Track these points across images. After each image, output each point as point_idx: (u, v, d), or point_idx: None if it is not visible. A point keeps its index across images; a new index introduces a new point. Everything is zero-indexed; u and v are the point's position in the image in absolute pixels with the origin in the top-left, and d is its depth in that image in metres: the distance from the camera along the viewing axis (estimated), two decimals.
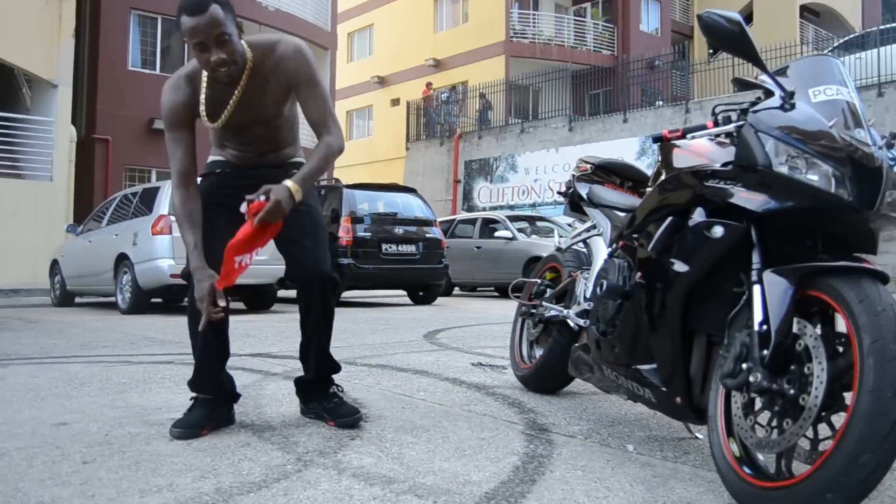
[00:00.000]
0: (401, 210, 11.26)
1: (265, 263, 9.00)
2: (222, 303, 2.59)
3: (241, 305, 11.10)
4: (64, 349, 5.44)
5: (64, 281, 11.27)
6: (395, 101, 29.84)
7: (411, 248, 10.91)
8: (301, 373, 3.10)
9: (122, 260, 9.43)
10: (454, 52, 27.92)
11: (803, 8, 30.56)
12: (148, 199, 9.55)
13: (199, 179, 2.82)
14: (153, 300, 9.67)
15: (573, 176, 3.51)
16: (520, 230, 13.78)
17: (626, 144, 18.53)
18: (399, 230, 10.87)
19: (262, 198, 2.53)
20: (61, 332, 6.90)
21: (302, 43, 2.74)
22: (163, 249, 8.89)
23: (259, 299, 10.21)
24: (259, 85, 2.67)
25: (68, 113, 15.50)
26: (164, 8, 17.93)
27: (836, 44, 18.83)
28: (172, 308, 10.48)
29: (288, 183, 2.56)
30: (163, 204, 9.10)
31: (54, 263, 11.75)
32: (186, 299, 2.82)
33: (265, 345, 5.61)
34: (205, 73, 2.64)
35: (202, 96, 2.67)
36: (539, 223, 14.86)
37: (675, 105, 19.34)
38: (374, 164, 28.91)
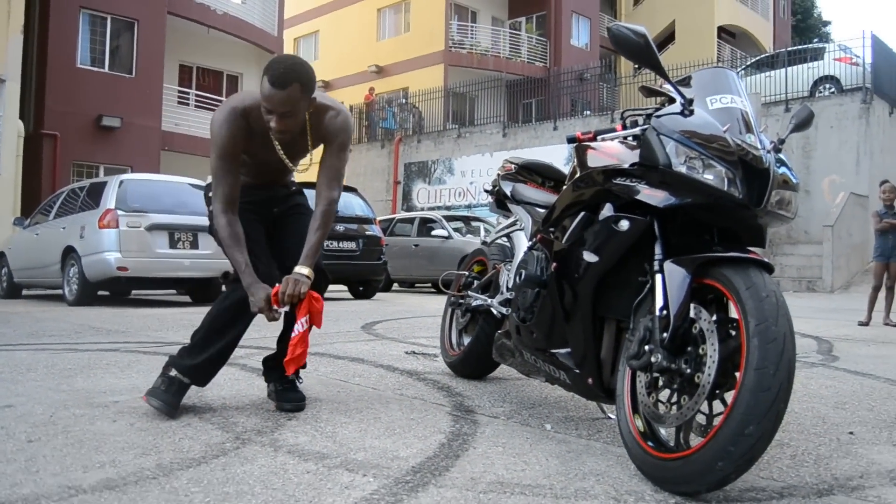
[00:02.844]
0: (342, 208, 11.18)
1: (210, 258, 8.89)
2: (281, 310, 2.67)
3: (186, 298, 10.93)
4: (10, 338, 5.29)
5: (11, 273, 10.92)
6: None
7: (352, 245, 10.89)
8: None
9: (69, 253, 9.18)
10: (396, 59, 27.85)
11: (721, 29, 31.41)
12: (95, 194, 9.31)
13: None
14: (100, 292, 9.44)
15: (498, 175, 3.57)
16: (455, 229, 13.87)
17: (556, 150, 18.76)
18: (340, 227, 10.82)
19: (277, 285, 2.67)
20: (7, 321, 6.70)
21: (349, 115, 2.88)
22: (109, 243, 8.68)
23: (205, 292, 10.06)
24: (311, 132, 2.79)
25: (16, 108, 14.98)
26: (114, 8, 17.45)
27: (748, 62, 19.41)
28: (118, 300, 10.25)
29: (298, 269, 2.67)
30: (110, 198, 8.89)
31: (1, 256, 11.37)
32: (224, 297, 2.87)
33: None
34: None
35: (276, 142, 2.74)
36: (473, 223, 14.97)
37: (602, 115, 19.68)
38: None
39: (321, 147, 2.87)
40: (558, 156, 18.26)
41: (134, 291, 11.32)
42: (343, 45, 30.06)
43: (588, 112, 21.02)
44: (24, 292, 11.70)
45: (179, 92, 19.77)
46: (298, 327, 2.65)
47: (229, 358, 2.94)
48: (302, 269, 2.68)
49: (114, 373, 3.71)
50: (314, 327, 2.72)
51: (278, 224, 3.02)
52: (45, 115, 16.40)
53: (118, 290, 10.29)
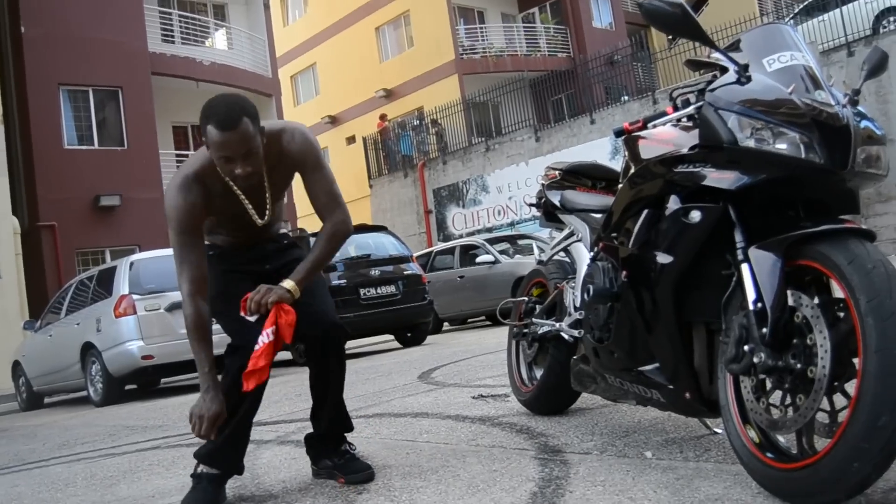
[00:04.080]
0: (374, 250, 11.29)
1: None
2: (213, 435, 2.66)
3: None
4: (41, 453, 5.40)
5: (29, 382, 11.17)
6: (351, 139, 29.97)
7: (391, 289, 10.93)
8: (310, 430, 3.12)
9: (88, 349, 9.38)
10: (404, 79, 28.15)
11: None
12: (106, 281, 9.52)
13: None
14: (127, 387, 9.60)
15: (542, 185, 3.58)
16: (502, 252, 13.86)
17: (597, 146, 18.71)
18: (375, 272, 10.89)
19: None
20: (35, 435, 6.85)
21: (305, 128, 2.87)
22: (129, 331, 8.85)
23: None
24: (267, 171, 2.79)
25: (7, 203, 15.43)
26: (93, 79, 17.94)
27: (796, 10, 19.20)
28: (149, 393, 10.41)
29: (286, 284, 2.68)
30: (122, 283, 9.08)
31: (16, 365, 11.64)
32: (225, 373, 2.85)
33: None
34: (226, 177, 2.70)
35: (241, 196, 2.76)
36: (521, 241, 14.94)
37: (642, 98, 19.58)
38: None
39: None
40: (601, 152, 18.19)
41: (163, 380, 11.49)
42: (345, 74, 30.49)
43: (626, 97, 20.93)
44: (47, 400, 11.95)
45: (177, 156, 20.18)
46: (263, 338, 2.63)
47: (250, 434, 2.93)
48: (285, 283, 2.69)
49: (159, 473, 3.76)
50: (285, 342, 2.70)
51: (273, 282, 2.97)
52: (38, 206, 16.86)
53: (147, 382, 10.46)
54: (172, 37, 20.42)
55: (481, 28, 28.14)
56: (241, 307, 2.66)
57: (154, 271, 9.27)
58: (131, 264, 9.34)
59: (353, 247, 11.27)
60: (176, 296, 8.91)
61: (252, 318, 2.68)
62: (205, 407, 2.61)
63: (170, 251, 3.07)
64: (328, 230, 2.81)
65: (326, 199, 2.83)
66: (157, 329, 8.90)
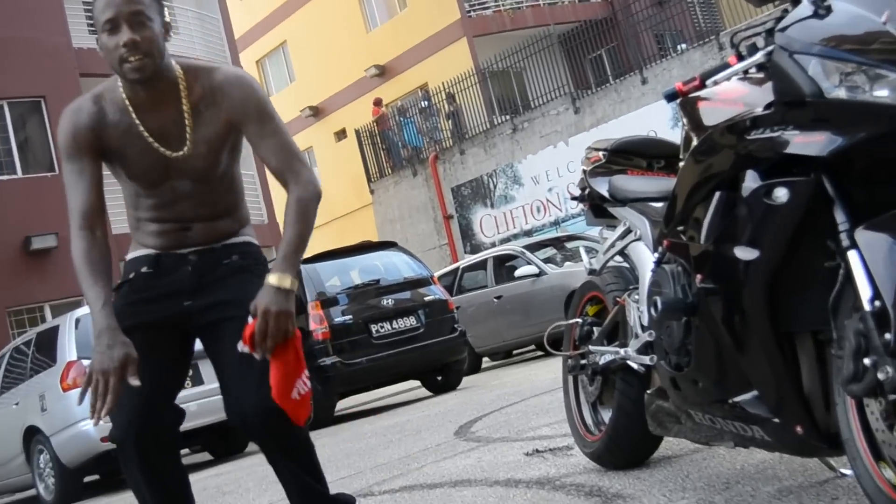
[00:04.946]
0: (383, 274, 11.29)
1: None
2: (135, 381, 2.50)
3: (206, 455, 11.06)
4: None
5: None
6: (341, 134, 30.15)
7: (410, 322, 10.91)
8: None
9: (32, 435, 9.44)
10: (400, 50, 28.25)
11: None
12: (47, 346, 9.59)
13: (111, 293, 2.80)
14: (87, 479, 9.64)
15: (584, 172, 3.57)
16: (546, 260, 13.83)
17: (654, 112, 18.57)
18: (388, 301, 10.88)
19: (250, 319, 2.55)
20: None
21: (248, 74, 2.89)
22: (83, 407, 8.80)
23: (226, 442, 10.17)
24: (188, 100, 2.77)
25: None
26: (8, 90, 18.09)
27: None
28: (115, 483, 10.44)
29: (270, 280, 2.61)
30: (68, 347, 9.13)
31: None
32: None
33: (248, 499, 5.61)
34: (124, 95, 2.71)
35: (138, 124, 2.72)
36: (570, 244, 14.88)
37: (704, 44, 19.52)
38: (334, 223, 29.03)
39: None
40: (659, 119, 18.11)
41: None
42: (324, 52, 30.65)
43: (683, 45, 20.89)
44: None
45: None
46: (302, 388, 2.61)
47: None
48: (282, 280, 2.59)
49: None
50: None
51: (203, 336, 2.88)
52: None
53: (111, 470, 10.46)
54: None
55: None
56: (244, 340, 2.54)
57: None
58: (77, 321, 9.37)
59: (358, 271, 11.28)
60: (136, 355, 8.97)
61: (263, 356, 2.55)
62: (105, 357, 2.48)
63: None
64: (294, 204, 2.69)
65: (284, 155, 2.75)
66: None
